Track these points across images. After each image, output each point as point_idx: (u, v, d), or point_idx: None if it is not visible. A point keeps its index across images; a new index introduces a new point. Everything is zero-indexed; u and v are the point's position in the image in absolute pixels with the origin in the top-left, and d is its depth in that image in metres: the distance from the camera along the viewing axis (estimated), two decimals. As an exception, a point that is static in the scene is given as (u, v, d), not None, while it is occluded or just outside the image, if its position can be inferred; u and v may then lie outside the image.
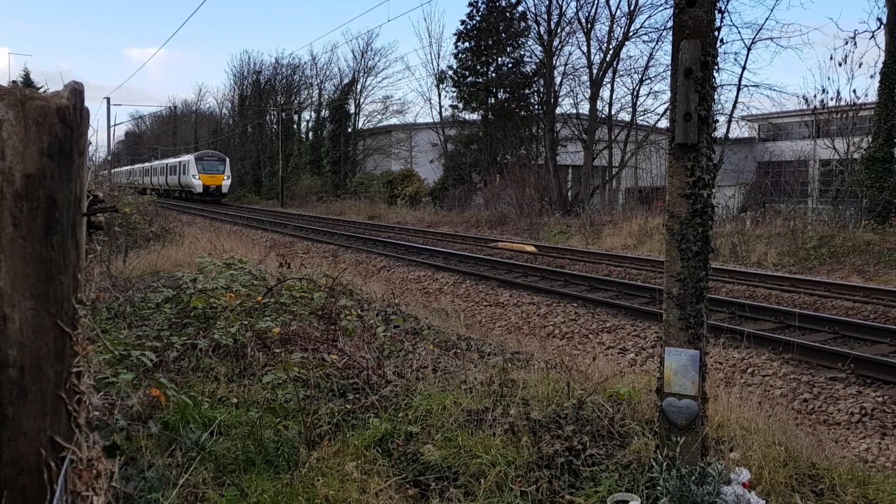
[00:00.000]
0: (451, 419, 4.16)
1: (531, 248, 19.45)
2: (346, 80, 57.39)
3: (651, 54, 34.32)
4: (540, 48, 38.72)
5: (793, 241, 18.80)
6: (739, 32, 30.99)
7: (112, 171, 73.10)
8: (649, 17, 47.65)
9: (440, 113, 44.42)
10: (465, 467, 3.69)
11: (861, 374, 7.23)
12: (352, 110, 53.65)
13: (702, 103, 3.31)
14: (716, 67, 3.39)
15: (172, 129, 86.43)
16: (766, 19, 50.75)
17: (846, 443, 5.87)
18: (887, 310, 10.24)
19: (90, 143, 5.38)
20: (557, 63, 37.78)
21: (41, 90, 1.86)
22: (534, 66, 39.87)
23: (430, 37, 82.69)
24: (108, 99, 50.23)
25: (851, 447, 5.75)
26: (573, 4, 46.55)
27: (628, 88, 45.34)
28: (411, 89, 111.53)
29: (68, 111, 1.43)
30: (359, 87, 55.71)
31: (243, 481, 3.63)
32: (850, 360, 7.43)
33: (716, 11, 3.44)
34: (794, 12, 53.73)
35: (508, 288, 12.98)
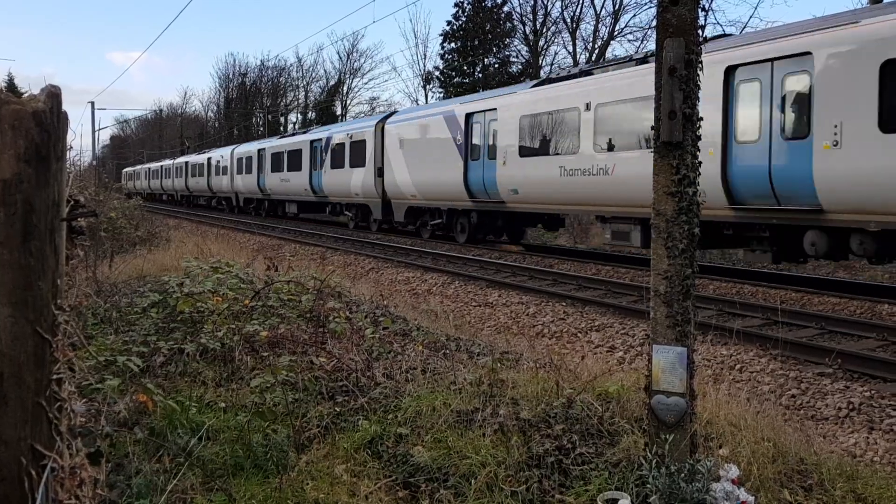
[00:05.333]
0: (441, 420, 4.15)
1: (518, 248, 19.48)
2: (332, 82, 57.48)
3: (637, 52, 34.42)
4: (526, 48, 38.85)
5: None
6: (724, 30, 31.10)
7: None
8: (634, 16, 48.12)
9: (427, 114, 44.46)
10: (455, 468, 3.68)
11: (848, 368, 7.27)
12: (338, 112, 53.67)
13: (686, 101, 3.31)
14: (699, 65, 3.40)
15: (158, 132, 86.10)
16: (750, 17, 51.22)
17: (834, 437, 5.90)
18: (873, 305, 10.31)
19: (70, 147, 5.34)
20: (544, 63, 37.95)
21: (24, 95, 1.84)
22: (520, 66, 40.00)
23: (416, 37, 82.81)
24: (93, 103, 49.89)
25: (840, 442, 5.78)
26: (558, 4, 46.68)
27: (614, 87, 45.37)
28: (398, 90, 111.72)
29: (45, 115, 1.41)
30: (345, 88, 55.77)
31: (232, 486, 3.61)
32: (837, 355, 7.47)
33: (699, 10, 3.45)
34: (777, 10, 54.16)
35: (497, 288, 12.98)
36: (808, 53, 10.93)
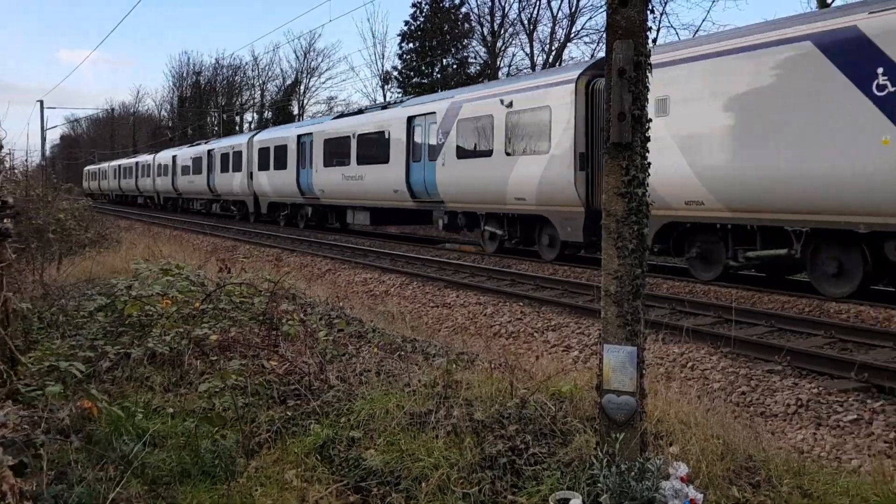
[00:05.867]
0: (394, 423, 4.11)
1: (477, 248, 19.53)
2: (289, 81, 56.92)
3: (592, 55, 34.80)
4: (484, 49, 39.01)
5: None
6: (678, 34, 31.77)
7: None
8: (590, 18, 48.29)
9: (386, 114, 44.31)
10: (407, 471, 3.65)
11: (797, 366, 7.41)
12: (295, 111, 53.19)
13: (635, 103, 3.34)
14: (649, 67, 3.43)
15: (110, 131, 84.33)
16: (703, 21, 52.12)
17: (783, 434, 6.01)
18: (821, 303, 10.55)
19: (1, 146, 5.17)
20: (501, 64, 38.14)
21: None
22: (478, 67, 40.13)
23: (373, 37, 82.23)
24: (42, 102, 48.73)
25: (788, 438, 5.89)
26: (516, 6, 46.92)
27: (571, 89, 45.75)
28: (356, 90, 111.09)
29: (-40, 110, 1.34)
30: (302, 87, 55.30)
31: (178, 494, 3.53)
32: (786, 352, 7.62)
33: (648, 12, 3.48)
34: (729, 13, 55.42)
35: (455, 288, 12.97)
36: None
